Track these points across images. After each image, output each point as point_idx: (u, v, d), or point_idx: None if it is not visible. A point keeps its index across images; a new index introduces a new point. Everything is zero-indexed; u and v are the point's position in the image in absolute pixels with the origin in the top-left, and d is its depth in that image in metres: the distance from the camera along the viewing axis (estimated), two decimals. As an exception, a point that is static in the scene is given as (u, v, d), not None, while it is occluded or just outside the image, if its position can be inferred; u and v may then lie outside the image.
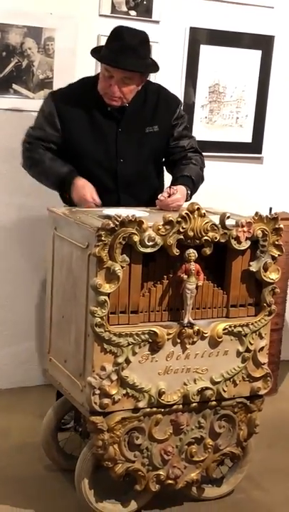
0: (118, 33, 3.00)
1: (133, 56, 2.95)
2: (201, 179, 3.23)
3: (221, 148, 4.14)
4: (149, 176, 3.24)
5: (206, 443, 2.82)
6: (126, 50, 2.94)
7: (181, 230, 2.57)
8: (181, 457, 2.79)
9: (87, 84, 3.16)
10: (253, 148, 4.24)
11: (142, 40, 3.01)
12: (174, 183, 3.13)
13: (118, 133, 3.12)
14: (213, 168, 3.93)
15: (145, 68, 3.05)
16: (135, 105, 3.12)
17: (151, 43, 3.76)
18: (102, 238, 2.48)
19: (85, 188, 3.02)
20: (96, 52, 3.09)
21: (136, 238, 2.51)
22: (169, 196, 2.98)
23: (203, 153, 3.35)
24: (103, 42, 3.68)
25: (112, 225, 2.47)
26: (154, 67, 3.15)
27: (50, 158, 3.11)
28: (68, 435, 3.20)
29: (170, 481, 2.79)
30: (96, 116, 3.11)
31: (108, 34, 3.66)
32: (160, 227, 2.55)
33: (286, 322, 4.24)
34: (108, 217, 2.57)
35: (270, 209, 3.72)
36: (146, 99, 3.17)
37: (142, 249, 2.54)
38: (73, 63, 3.68)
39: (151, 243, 2.54)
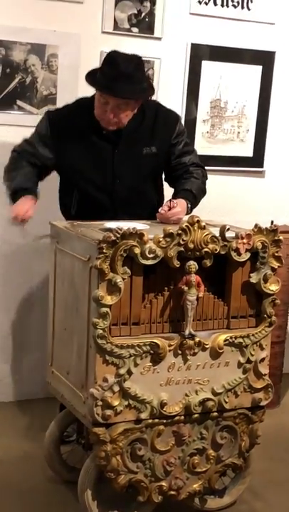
0: (112, 60, 3.00)
1: (128, 83, 2.95)
2: (203, 192, 3.27)
3: (222, 162, 4.18)
4: (147, 193, 3.27)
5: (208, 454, 2.84)
6: (121, 78, 2.94)
7: (182, 242, 2.60)
8: (183, 468, 2.81)
9: (84, 106, 3.17)
10: (254, 162, 4.28)
11: (136, 65, 3.02)
12: (174, 196, 3.17)
13: (114, 154, 3.15)
14: (216, 182, 3.97)
15: (140, 94, 3.06)
16: (132, 125, 3.13)
17: (153, 60, 3.87)
18: (104, 251, 2.51)
19: (18, 205, 3.05)
20: (91, 76, 3.07)
21: (137, 250, 2.54)
22: (169, 210, 3.02)
23: (206, 168, 3.38)
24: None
25: (113, 238, 2.51)
26: (150, 91, 3.17)
27: (25, 173, 3.15)
28: (71, 447, 3.22)
29: (172, 492, 2.80)
30: (92, 138, 3.13)
31: (110, 50, 3.74)
32: (161, 239, 2.58)
33: (288, 335, 4.25)
34: (109, 230, 2.61)
35: (272, 222, 3.75)
36: (144, 118, 3.18)
37: (143, 261, 2.57)
38: (76, 79, 3.73)
39: (152, 255, 2.57)
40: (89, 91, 3.42)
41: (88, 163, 3.13)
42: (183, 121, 3.94)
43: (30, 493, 3.08)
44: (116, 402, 2.62)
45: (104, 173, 3.15)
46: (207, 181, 3.36)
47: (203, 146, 4.07)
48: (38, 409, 3.85)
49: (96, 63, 3.73)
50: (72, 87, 3.73)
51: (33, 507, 3.00)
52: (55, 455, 3.10)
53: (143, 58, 3.60)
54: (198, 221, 2.63)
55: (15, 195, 3.11)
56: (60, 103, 3.72)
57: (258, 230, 2.73)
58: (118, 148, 3.14)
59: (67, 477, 3.11)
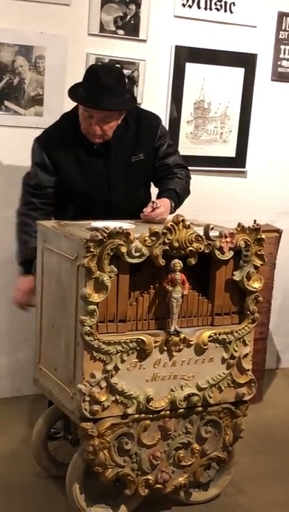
0: (93, 73, 3.06)
1: (110, 95, 3.00)
2: (187, 192, 3.33)
3: (206, 162, 4.25)
4: (140, 198, 3.33)
5: (193, 448, 2.90)
6: (102, 90, 2.98)
7: (167, 241, 2.67)
8: (169, 462, 2.87)
9: (69, 123, 3.20)
10: (237, 162, 4.35)
11: (117, 78, 3.07)
12: (158, 196, 3.23)
13: (107, 168, 3.20)
14: (199, 182, 4.04)
15: (123, 105, 3.11)
16: (118, 137, 3.18)
17: (138, 61, 3.93)
18: (91, 249, 2.56)
19: (17, 292, 3.29)
20: (73, 92, 3.12)
21: (123, 249, 2.60)
22: (152, 210, 3.08)
23: (189, 168, 3.44)
24: (92, 60, 3.84)
25: (100, 237, 2.56)
26: (132, 102, 3.24)
27: (33, 232, 3.16)
28: (59, 443, 3.27)
29: (159, 486, 2.87)
30: (83, 154, 3.18)
31: (97, 52, 3.80)
32: (146, 238, 2.64)
33: (270, 332, 4.34)
34: (96, 229, 2.66)
35: (255, 221, 3.82)
36: (127, 128, 3.23)
37: (129, 260, 2.63)
38: (63, 80, 3.77)
39: (138, 254, 2.63)
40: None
41: (84, 180, 3.18)
42: (167, 122, 4.02)
43: (18, 490, 3.13)
44: (103, 398, 2.67)
45: (100, 188, 3.20)
46: (191, 181, 3.42)
47: (186, 147, 4.14)
48: (24, 406, 3.89)
49: (82, 65, 3.80)
50: (59, 87, 3.77)
51: (22, 503, 3.05)
52: (43, 451, 3.15)
53: (128, 60, 3.68)
54: (182, 220, 2.69)
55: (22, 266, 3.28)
56: (47, 104, 3.79)
57: (241, 229, 2.80)
58: (109, 161, 3.20)
59: (56, 473, 3.16)
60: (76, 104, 3.16)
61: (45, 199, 3.23)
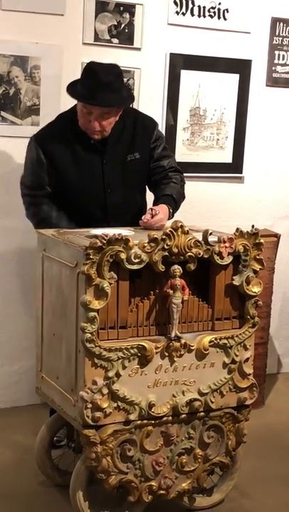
0: (92, 70, 3.09)
1: (109, 91, 3.04)
2: (182, 197, 3.36)
3: (203, 169, 4.26)
4: (135, 199, 3.35)
5: (196, 453, 2.91)
6: (101, 87, 3.02)
7: (166, 247, 2.68)
8: (172, 468, 2.87)
9: (66, 121, 3.24)
10: (233, 168, 4.37)
11: (115, 75, 3.11)
12: (156, 202, 3.25)
13: (103, 165, 3.23)
14: (196, 188, 4.07)
15: (122, 102, 3.15)
16: (115, 135, 3.22)
17: (133, 70, 3.95)
18: (91, 256, 2.58)
19: None
20: (71, 88, 3.16)
21: (123, 256, 2.61)
22: (152, 217, 3.09)
23: (186, 174, 3.47)
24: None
25: (99, 244, 2.57)
26: (130, 99, 3.27)
27: (56, 216, 3.21)
28: (62, 452, 3.27)
29: (162, 492, 2.87)
30: (79, 151, 3.20)
31: (88, 61, 3.81)
32: (146, 244, 2.65)
33: (270, 336, 4.34)
34: (95, 236, 2.67)
35: (253, 226, 3.84)
36: (124, 127, 3.26)
37: (129, 266, 2.64)
38: (59, 90, 3.79)
39: (137, 260, 2.64)
40: (72, 101, 3.50)
41: (79, 175, 3.20)
42: (163, 129, 4.04)
43: (23, 498, 3.12)
44: (105, 404, 2.68)
45: (95, 184, 3.22)
46: (188, 187, 3.44)
47: (183, 154, 4.15)
48: (26, 415, 3.89)
49: (78, 74, 3.78)
50: (55, 97, 3.79)
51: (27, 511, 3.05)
52: (46, 460, 3.15)
53: (123, 68, 3.69)
54: (181, 226, 2.70)
55: None
56: (43, 113, 3.80)
57: (240, 233, 2.81)
58: (105, 157, 3.22)
59: (60, 481, 3.16)
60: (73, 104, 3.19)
61: (47, 197, 3.24)
